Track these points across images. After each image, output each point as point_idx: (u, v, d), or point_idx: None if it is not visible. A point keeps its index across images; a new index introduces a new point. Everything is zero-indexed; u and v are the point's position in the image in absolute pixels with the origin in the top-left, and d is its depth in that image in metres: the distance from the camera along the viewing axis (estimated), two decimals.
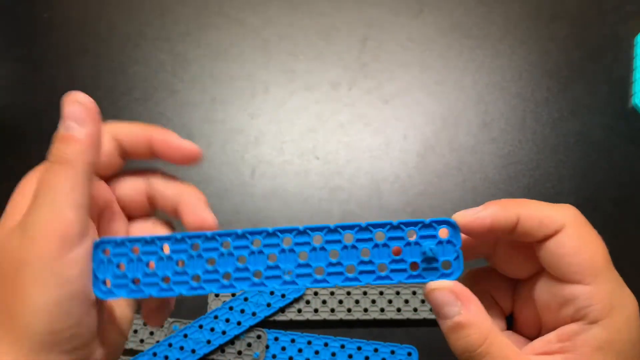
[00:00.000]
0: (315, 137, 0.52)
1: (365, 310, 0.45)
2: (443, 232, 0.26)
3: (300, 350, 0.44)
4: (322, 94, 0.53)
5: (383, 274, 0.26)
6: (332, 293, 0.46)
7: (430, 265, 0.26)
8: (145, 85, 0.54)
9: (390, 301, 0.45)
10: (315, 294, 0.46)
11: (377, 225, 0.26)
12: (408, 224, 0.26)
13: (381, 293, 0.45)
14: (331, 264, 0.26)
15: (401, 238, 0.26)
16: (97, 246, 0.26)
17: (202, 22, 0.56)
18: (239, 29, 0.56)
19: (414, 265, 0.26)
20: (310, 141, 0.52)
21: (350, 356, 0.44)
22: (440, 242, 0.26)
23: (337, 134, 0.52)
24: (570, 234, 0.25)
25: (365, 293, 0.46)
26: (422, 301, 0.45)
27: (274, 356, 0.44)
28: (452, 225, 0.25)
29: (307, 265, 0.26)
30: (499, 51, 0.54)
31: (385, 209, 0.49)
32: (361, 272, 0.26)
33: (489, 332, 0.24)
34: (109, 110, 0.53)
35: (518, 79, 0.53)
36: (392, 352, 0.44)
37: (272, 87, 0.54)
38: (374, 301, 0.45)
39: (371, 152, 0.51)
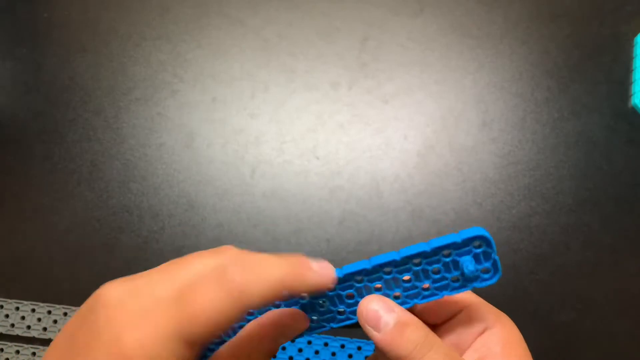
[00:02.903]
0: (315, 137, 0.52)
1: None
2: (476, 245, 0.26)
3: (300, 350, 0.44)
4: (322, 94, 0.53)
5: (427, 292, 0.27)
6: None
7: (472, 278, 0.26)
8: (145, 85, 0.54)
9: None
10: None
11: (412, 256, 0.26)
12: (442, 248, 0.26)
13: None
14: None
15: (437, 261, 0.26)
16: None
17: (202, 22, 0.56)
18: (239, 29, 0.56)
19: (454, 278, 0.26)
20: (310, 141, 0.52)
21: (350, 356, 0.44)
22: (475, 255, 0.26)
23: (337, 134, 0.52)
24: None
25: None
26: None
27: (274, 356, 0.44)
28: (484, 238, 0.25)
29: (355, 304, 0.27)
30: (499, 51, 0.54)
31: (385, 209, 0.49)
32: (407, 296, 0.27)
33: (425, 326, 0.26)
34: (109, 110, 0.54)
35: (518, 79, 0.53)
36: None
37: (272, 87, 0.54)
38: None
39: (371, 152, 0.51)
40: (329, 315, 0.28)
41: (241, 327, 0.27)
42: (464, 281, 0.26)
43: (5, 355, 0.47)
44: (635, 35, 0.53)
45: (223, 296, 0.22)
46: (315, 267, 0.24)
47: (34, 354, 0.46)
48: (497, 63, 0.53)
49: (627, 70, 0.52)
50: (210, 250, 0.25)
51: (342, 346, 0.44)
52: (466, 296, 0.29)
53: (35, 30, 0.57)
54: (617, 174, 0.49)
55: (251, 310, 0.26)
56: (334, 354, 0.44)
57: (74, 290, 0.48)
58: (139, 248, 0.49)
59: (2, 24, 0.57)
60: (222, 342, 0.26)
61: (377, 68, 0.54)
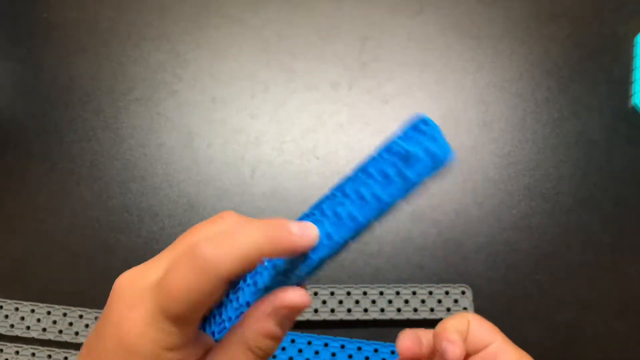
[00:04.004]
0: (315, 137, 0.52)
1: (365, 310, 0.45)
2: (422, 130, 0.24)
3: (300, 351, 0.44)
4: (322, 94, 0.53)
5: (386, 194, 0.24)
6: (332, 293, 0.46)
7: (411, 161, 0.24)
8: (145, 85, 0.54)
9: (390, 301, 0.45)
10: (315, 294, 0.46)
11: (362, 168, 0.26)
12: (386, 149, 0.25)
13: (381, 293, 0.45)
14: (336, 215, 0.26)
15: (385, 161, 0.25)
16: None
17: (202, 22, 0.56)
18: (239, 29, 0.56)
19: (398, 172, 0.24)
20: (310, 141, 0.52)
21: (350, 356, 0.44)
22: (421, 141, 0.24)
23: (337, 134, 0.52)
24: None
25: (365, 293, 0.46)
26: (422, 301, 0.45)
27: (274, 356, 0.44)
28: (423, 120, 0.23)
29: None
30: (499, 51, 0.54)
31: None
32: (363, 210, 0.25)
33: None
34: (109, 110, 0.54)
35: (518, 79, 0.53)
36: (392, 352, 0.44)
37: (272, 87, 0.54)
38: (374, 301, 0.45)
39: (371, 152, 0.51)
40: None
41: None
42: (408, 167, 0.24)
43: (5, 356, 0.46)
44: (635, 35, 0.53)
45: (193, 273, 0.23)
46: (295, 230, 0.25)
47: (33, 354, 0.46)
48: (497, 63, 0.53)
49: (627, 70, 0.52)
50: (210, 219, 0.26)
51: (342, 346, 0.44)
52: (493, 332, 0.30)
53: (35, 31, 0.57)
54: (617, 174, 0.49)
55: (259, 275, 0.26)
56: (334, 354, 0.44)
57: (73, 290, 0.48)
58: (138, 248, 0.49)
59: (2, 24, 0.57)
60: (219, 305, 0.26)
61: (377, 68, 0.54)
